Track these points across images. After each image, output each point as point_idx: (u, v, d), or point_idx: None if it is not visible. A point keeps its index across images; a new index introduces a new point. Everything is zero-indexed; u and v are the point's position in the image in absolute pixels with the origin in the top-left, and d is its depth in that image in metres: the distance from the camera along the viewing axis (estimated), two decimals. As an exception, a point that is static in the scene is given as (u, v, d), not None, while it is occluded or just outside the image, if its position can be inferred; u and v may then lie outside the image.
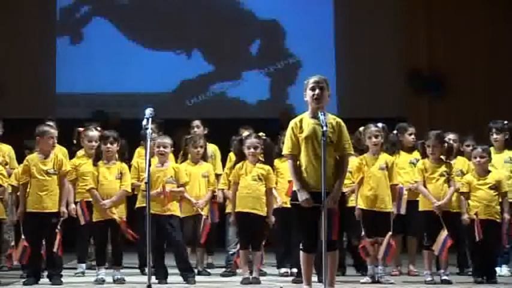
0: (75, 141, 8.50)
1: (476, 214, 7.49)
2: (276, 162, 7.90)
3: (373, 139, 7.57)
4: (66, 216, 7.49)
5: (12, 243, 8.13)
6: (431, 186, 7.48)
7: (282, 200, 7.81)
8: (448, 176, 7.51)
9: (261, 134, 7.76)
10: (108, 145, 7.61)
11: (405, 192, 7.90)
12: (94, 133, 8.25)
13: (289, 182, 7.41)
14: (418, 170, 7.62)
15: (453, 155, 7.85)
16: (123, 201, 7.65)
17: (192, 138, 8.40)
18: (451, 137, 8.32)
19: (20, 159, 8.18)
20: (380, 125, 7.71)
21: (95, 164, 7.67)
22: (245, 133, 7.89)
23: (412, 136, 8.48)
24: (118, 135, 7.71)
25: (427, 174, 7.51)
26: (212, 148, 9.05)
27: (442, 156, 7.63)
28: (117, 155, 7.70)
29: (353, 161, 7.50)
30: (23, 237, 7.29)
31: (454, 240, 7.46)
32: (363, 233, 7.46)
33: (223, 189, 8.30)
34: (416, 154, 8.18)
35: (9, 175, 8.04)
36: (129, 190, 7.71)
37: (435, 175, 7.50)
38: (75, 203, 7.90)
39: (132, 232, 7.56)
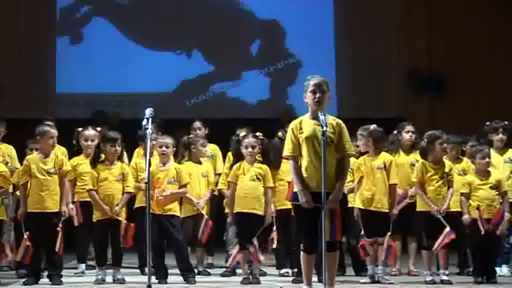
0: (74, 142, 8.48)
1: (478, 209, 7.47)
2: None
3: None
4: (67, 215, 7.50)
5: (11, 239, 8.16)
6: (431, 188, 7.47)
7: (279, 202, 7.79)
8: (447, 177, 7.50)
9: (258, 133, 7.76)
10: (117, 147, 7.60)
11: (409, 195, 7.89)
12: (90, 132, 8.25)
13: (289, 183, 7.44)
14: (416, 171, 7.61)
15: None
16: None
17: (195, 138, 8.40)
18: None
19: (21, 159, 8.17)
20: (372, 127, 7.69)
21: (93, 166, 7.63)
22: (242, 133, 7.89)
23: (410, 134, 8.43)
24: (121, 136, 7.71)
25: (428, 175, 7.50)
26: (212, 148, 9.05)
27: (444, 158, 7.65)
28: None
29: (355, 161, 7.53)
30: (25, 237, 7.29)
31: (455, 239, 7.45)
32: (362, 232, 7.47)
33: (221, 189, 8.31)
34: (415, 155, 8.18)
35: (12, 173, 8.05)
36: (133, 191, 7.72)
37: (435, 176, 7.49)
38: (73, 202, 7.92)
39: (130, 239, 7.55)
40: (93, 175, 7.56)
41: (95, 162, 7.62)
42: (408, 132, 8.42)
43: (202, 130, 9.06)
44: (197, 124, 9.11)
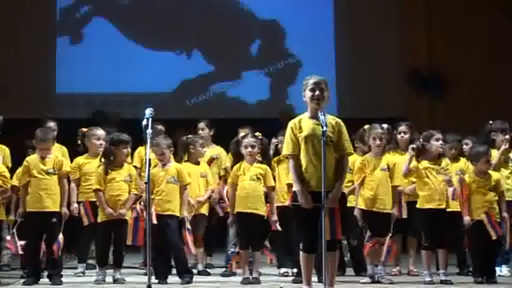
0: (79, 142, 8.40)
1: (487, 213, 7.46)
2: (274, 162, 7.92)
3: (377, 141, 7.53)
4: (67, 217, 7.49)
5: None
6: (429, 185, 7.47)
7: (277, 200, 7.79)
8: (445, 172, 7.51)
9: (257, 133, 7.75)
10: (129, 149, 7.59)
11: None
12: (102, 132, 8.18)
13: (287, 185, 7.44)
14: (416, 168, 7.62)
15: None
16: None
17: (194, 138, 8.39)
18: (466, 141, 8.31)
19: (21, 159, 8.15)
20: (385, 126, 7.68)
21: (106, 172, 7.49)
22: (242, 133, 7.89)
23: (401, 134, 8.41)
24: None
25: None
26: (218, 150, 9.01)
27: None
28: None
29: (355, 161, 7.52)
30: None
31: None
32: (368, 234, 7.45)
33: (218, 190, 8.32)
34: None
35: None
36: (139, 193, 7.71)
37: (433, 172, 7.48)
38: (78, 203, 7.90)
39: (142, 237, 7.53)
40: (100, 175, 7.52)
41: (107, 165, 7.54)
42: (400, 133, 8.40)
43: (206, 131, 9.00)
44: (201, 124, 9.04)
